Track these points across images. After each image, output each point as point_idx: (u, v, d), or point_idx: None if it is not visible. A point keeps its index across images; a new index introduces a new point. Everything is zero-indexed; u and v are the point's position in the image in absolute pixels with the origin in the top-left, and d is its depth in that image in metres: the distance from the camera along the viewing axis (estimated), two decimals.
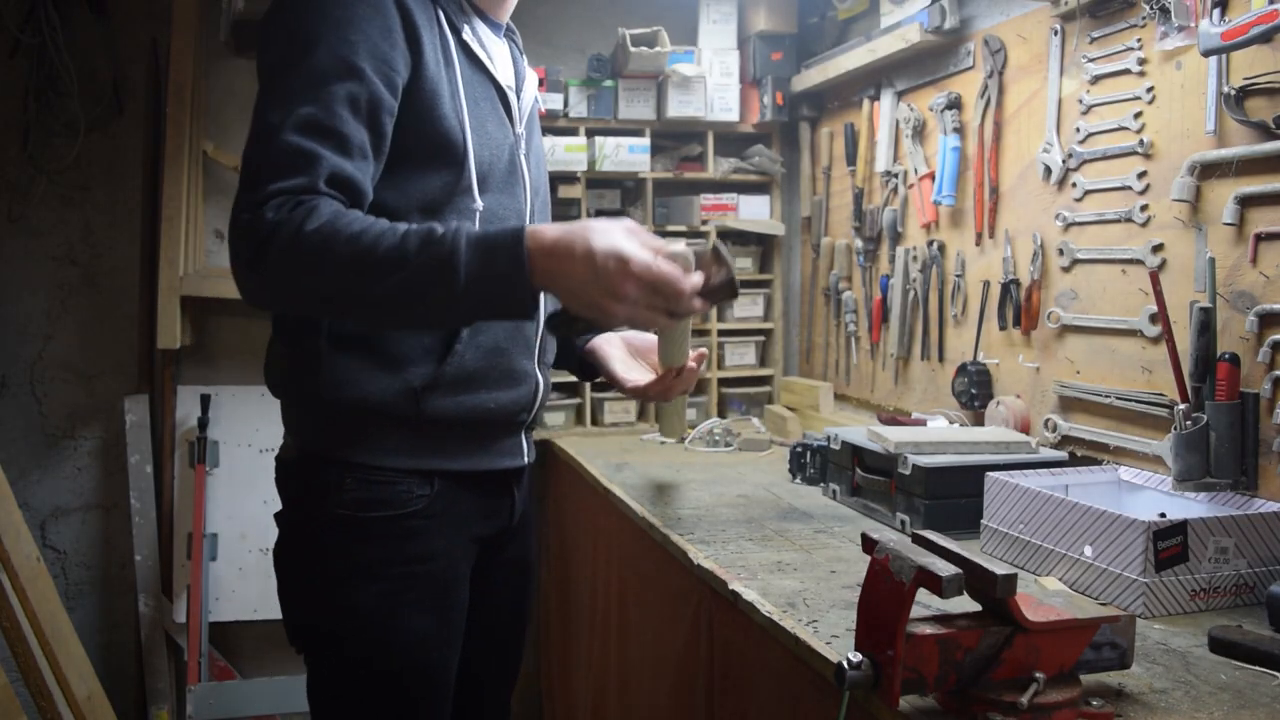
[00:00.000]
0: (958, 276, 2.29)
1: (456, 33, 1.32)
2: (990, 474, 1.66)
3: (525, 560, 1.62)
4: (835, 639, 1.28)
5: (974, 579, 1.03)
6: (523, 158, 1.45)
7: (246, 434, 2.83)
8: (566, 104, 2.83)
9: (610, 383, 1.67)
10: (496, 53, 1.42)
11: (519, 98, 1.45)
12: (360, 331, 1.29)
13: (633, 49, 2.75)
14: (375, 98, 1.19)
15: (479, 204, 1.33)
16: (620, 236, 1.10)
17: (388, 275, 1.09)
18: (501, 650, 1.63)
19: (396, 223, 1.13)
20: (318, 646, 1.35)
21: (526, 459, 1.51)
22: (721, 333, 2.99)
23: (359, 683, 1.33)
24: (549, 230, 1.11)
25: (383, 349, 1.29)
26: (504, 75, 1.41)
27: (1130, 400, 1.79)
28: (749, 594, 1.47)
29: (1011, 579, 1.02)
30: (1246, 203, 1.57)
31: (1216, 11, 1.58)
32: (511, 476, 1.50)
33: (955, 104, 2.27)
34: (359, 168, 1.18)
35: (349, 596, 1.30)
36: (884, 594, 1.04)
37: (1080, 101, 1.91)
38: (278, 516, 1.39)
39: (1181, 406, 1.60)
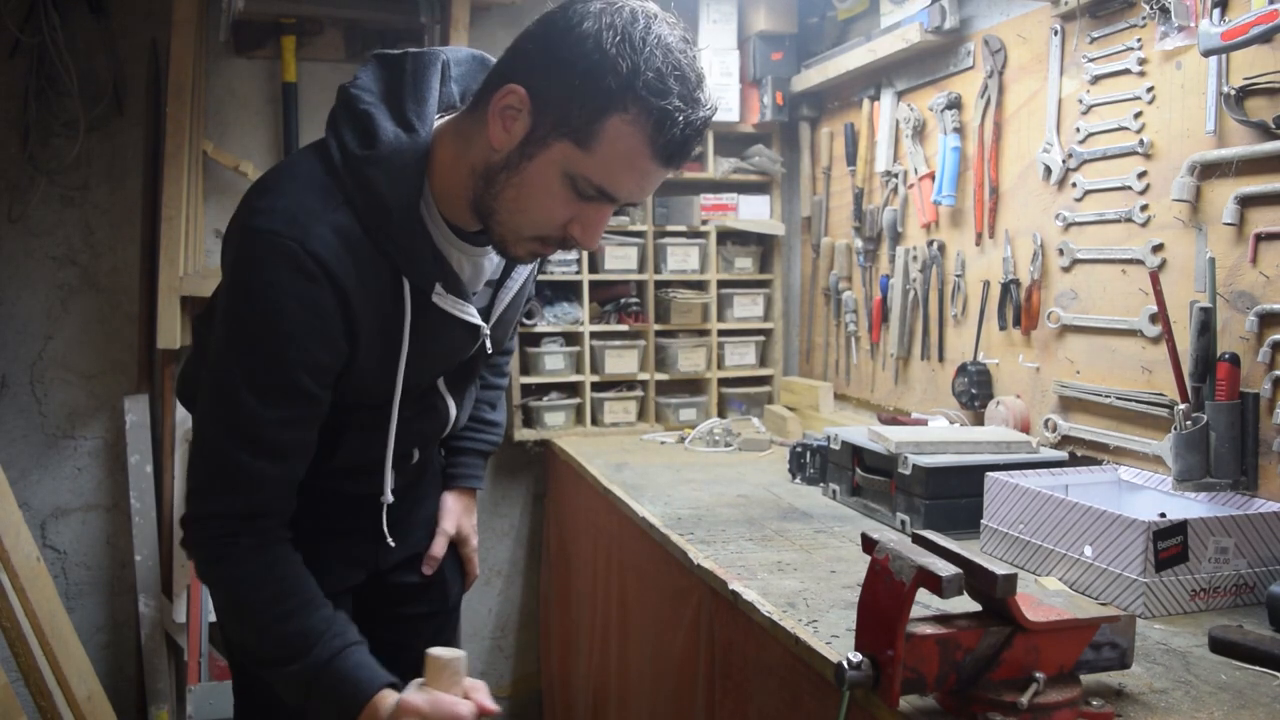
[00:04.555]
0: (958, 276, 2.29)
1: (423, 295, 1.25)
2: (990, 474, 1.66)
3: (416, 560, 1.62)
4: (835, 639, 1.28)
5: (974, 579, 1.04)
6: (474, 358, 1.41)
7: None
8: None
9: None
10: (481, 265, 1.32)
11: (496, 300, 1.38)
12: None
13: None
14: (315, 408, 1.22)
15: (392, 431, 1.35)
16: None
17: (282, 667, 1.19)
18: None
19: (300, 611, 1.19)
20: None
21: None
22: (721, 333, 2.99)
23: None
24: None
25: None
26: (480, 300, 1.35)
27: (1130, 400, 1.79)
28: (749, 594, 1.47)
29: (1011, 579, 1.02)
30: (1246, 203, 1.57)
31: (1216, 11, 1.58)
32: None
33: (955, 104, 2.27)
34: (299, 464, 1.23)
35: None
36: (884, 594, 1.04)
37: (1080, 101, 1.91)
38: None
39: (1181, 406, 1.60)
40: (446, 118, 1.23)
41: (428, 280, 1.23)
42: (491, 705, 1.16)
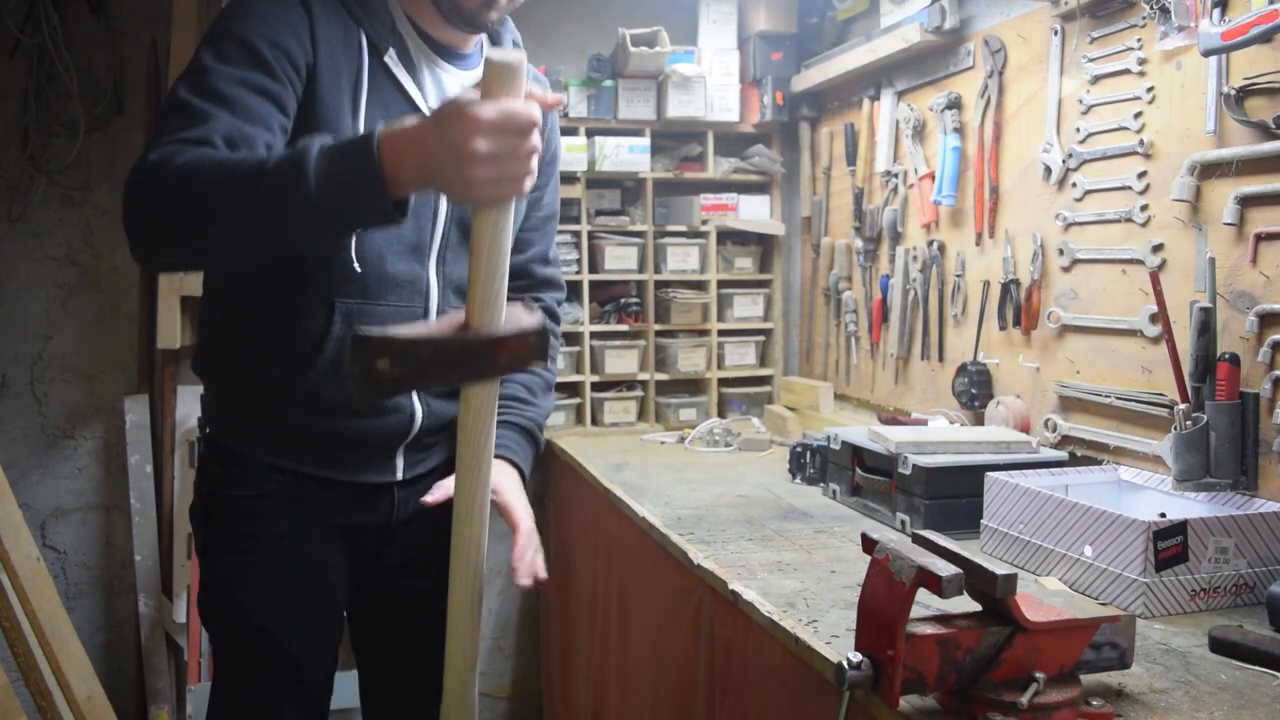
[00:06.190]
0: (958, 276, 2.29)
1: (378, 55, 1.32)
2: (990, 474, 1.66)
3: (423, 561, 1.50)
4: (835, 639, 1.28)
5: (974, 579, 1.03)
6: None
7: None
8: (566, 104, 2.83)
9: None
10: (443, 80, 1.39)
11: None
12: (245, 323, 1.39)
13: (633, 49, 2.75)
14: (274, 86, 1.24)
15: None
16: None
17: (246, 188, 1.07)
18: (410, 664, 1.59)
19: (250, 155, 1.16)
20: (201, 611, 1.49)
21: (400, 475, 1.49)
22: (721, 333, 2.99)
23: (220, 645, 1.47)
24: (402, 124, 1.06)
25: (264, 342, 1.38)
26: (435, 102, 1.35)
27: (1130, 400, 1.79)
28: (749, 594, 1.47)
29: (1011, 579, 1.02)
30: (1246, 203, 1.57)
31: (1216, 11, 1.58)
32: (380, 487, 1.49)
33: (955, 104, 2.27)
34: (254, 131, 1.20)
35: (210, 565, 1.45)
36: (884, 594, 1.04)
37: (1080, 101, 1.91)
38: None
39: (1181, 406, 1.60)
40: None
41: (383, 41, 1.32)
42: (552, 97, 1.06)
